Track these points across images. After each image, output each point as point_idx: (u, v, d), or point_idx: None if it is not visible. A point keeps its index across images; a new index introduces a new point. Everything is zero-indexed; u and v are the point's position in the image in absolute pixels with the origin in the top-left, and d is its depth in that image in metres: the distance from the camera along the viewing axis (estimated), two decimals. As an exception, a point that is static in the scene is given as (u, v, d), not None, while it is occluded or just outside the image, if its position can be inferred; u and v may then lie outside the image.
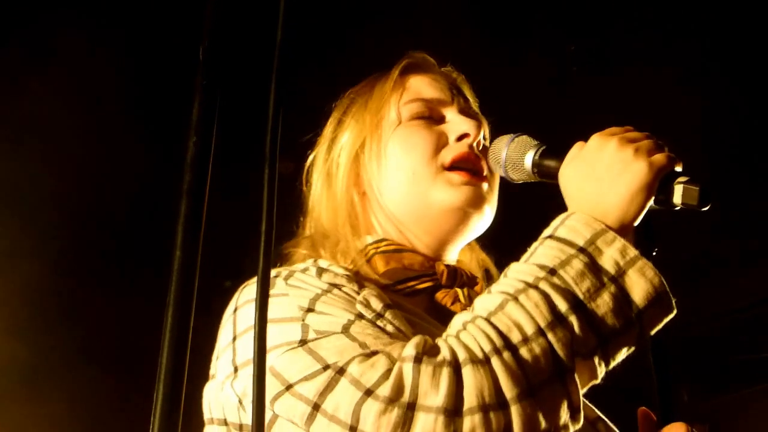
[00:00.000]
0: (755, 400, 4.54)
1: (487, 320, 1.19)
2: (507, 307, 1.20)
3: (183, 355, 0.89)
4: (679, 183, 1.28)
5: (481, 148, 1.58)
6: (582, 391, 1.23)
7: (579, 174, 1.32)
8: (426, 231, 1.55)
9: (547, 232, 1.29)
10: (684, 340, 4.26)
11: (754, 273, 4.23)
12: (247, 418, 1.32)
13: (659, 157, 1.29)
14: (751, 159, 3.70)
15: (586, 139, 1.36)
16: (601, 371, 1.22)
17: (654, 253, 1.31)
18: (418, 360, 1.16)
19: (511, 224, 1.70)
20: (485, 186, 1.55)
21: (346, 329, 1.24)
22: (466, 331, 1.20)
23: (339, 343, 1.22)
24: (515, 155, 1.49)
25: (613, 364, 1.23)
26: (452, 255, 1.60)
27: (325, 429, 1.18)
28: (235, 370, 1.33)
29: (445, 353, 1.17)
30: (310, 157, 1.68)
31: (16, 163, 3.23)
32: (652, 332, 1.25)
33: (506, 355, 1.15)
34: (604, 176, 1.28)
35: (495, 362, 1.15)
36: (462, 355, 1.16)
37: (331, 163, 1.62)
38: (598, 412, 1.52)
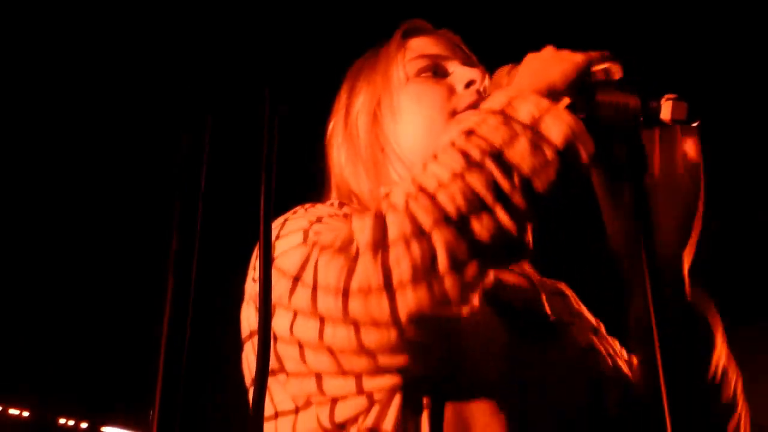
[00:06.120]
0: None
1: (412, 179, 1.29)
2: (428, 167, 1.29)
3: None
4: (669, 99, 1.32)
5: (486, 94, 1.64)
6: (521, 229, 1.27)
7: (517, 75, 1.40)
8: None
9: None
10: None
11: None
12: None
13: (593, 52, 1.36)
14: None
15: None
16: (532, 207, 1.27)
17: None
18: (355, 216, 1.28)
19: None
20: None
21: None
22: (393, 191, 1.31)
23: (330, 233, 1.33)
24: None
25: (542, 199, 1.27)
26: None
27: (302, 298, 1.27)
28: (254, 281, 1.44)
29: (375, 210, 1.28)
30: (329, 128, 1.75)
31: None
32: (576, 166, 1.29)
33: (422, 196, 1.24)
34: (537, 68, 1.37)
35: (412, 203, 1.24)
36: (385, 207, 1.27)
37: (351, 128, 1.70)
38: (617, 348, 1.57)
